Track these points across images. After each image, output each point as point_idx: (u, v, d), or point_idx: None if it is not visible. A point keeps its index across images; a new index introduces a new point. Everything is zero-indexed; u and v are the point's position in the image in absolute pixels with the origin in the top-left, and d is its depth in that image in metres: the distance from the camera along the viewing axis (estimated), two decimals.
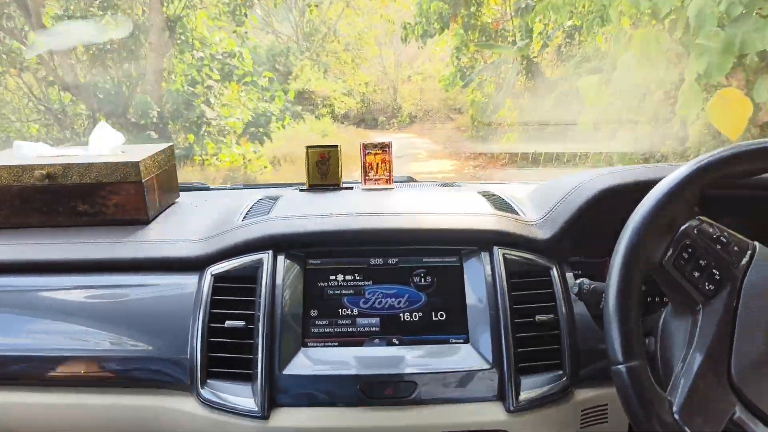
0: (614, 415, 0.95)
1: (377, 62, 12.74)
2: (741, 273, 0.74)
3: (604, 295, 0.75)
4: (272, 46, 10.46)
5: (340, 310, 0.97)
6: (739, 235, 0.78)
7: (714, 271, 0.73)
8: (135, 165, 1.13)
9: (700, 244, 0.74)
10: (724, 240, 0.75)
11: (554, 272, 0.99)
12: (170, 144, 1.29)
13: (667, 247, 0.74)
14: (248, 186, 1.52)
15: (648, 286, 0.84)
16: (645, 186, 0.79)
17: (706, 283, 0.73)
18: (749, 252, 0.76)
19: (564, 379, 0.92)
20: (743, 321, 0.71)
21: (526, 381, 0.91)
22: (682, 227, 0.75)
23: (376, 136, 10.46)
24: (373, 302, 0.97)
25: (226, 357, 0.92)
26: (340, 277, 0.98)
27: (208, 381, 0.91)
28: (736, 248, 0.75)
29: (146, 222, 1.16)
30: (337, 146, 1.30)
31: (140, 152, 1.19)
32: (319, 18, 11.60)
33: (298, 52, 11.08)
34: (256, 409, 0.88)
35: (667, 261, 0.74)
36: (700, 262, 0.73)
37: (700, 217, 0.77)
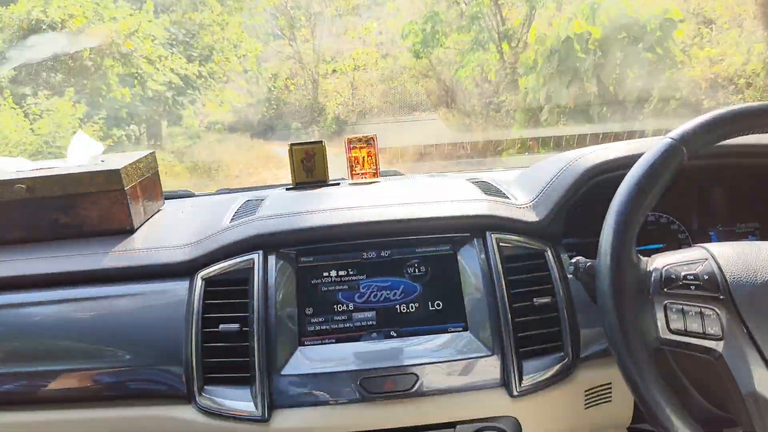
0: (618, 394, 0.94)
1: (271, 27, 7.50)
2: (728, 296, 0.71)
3: (596, 273, 0.75)
4: None
5: (335, 306, 0.95)
6: (689, 253, 0.77)
7: (708, 312, 0.71)
8: (116, 173, 1.11)
9: (677, 295, 0.73)
10: (690, 276, 0.73)
11: (549, 254, 0.98)
12: (152, 151, 1.27)
13: (654, 319, 0.73)
14: (234, 190, 1.49)
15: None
16: (627, 162, 0.79)
17: (710, 328, 0.70)
18: (712, 264, 0.74)
19: (566, 360, 0.91)
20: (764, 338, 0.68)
21: (527, 365, 0.90)
22: (651, 295, 0.74)
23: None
24: (369, 296, 0.96)
25: (223, 362, 0.90)
26: (333, 273, 0.97)
27: (206, 387, 0.89)
28: (705, 276, 0.73)
29: (131, 231, 1.14)
30: (321, 142, 1.29)
31: (121, 160, 1.17)
32: None
33: None
34: (257, 412, 0.87)
35: (664, 333, 0.72)
36: (690, 313, 0.72)
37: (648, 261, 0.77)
